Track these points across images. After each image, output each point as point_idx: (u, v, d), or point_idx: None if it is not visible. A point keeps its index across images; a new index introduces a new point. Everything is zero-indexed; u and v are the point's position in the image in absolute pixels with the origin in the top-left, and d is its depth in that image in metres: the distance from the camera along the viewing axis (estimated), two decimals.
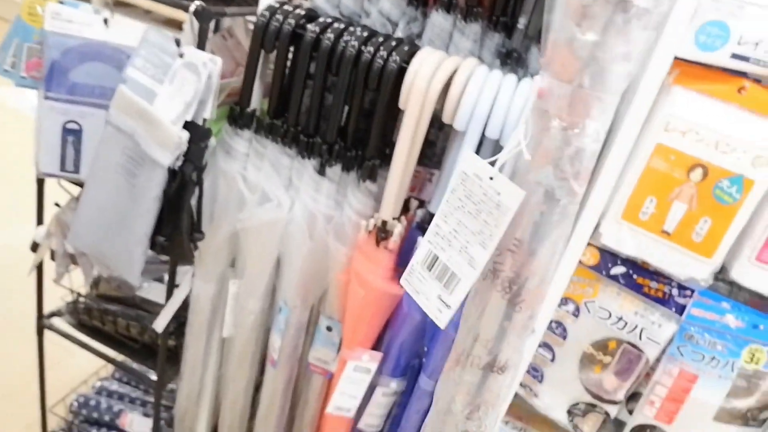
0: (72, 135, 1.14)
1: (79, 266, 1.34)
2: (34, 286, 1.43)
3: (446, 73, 0.90)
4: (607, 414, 0.98)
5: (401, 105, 0.93)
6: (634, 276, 0.93)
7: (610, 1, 0.64)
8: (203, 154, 1.00)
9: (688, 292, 0.90)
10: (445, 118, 0.92)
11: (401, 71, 0.93)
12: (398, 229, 0.97)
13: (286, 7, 1.01)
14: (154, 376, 1.38)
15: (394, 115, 1.00)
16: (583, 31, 0.65)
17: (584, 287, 0.98)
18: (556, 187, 0.71)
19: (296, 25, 0.99)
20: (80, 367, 1.94)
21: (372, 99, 0.99)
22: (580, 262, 0.89)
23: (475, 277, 0.73)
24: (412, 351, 1.06)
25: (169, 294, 1.23)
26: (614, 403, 0.98)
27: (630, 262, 0.92)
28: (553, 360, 1.02)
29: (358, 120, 1.00)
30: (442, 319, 0.76)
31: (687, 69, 0.79)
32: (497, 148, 0.97)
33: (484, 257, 0.72)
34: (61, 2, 1.09)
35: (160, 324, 1.21)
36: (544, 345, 1.02)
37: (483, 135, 0.91)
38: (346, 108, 1.02)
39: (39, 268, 1.39)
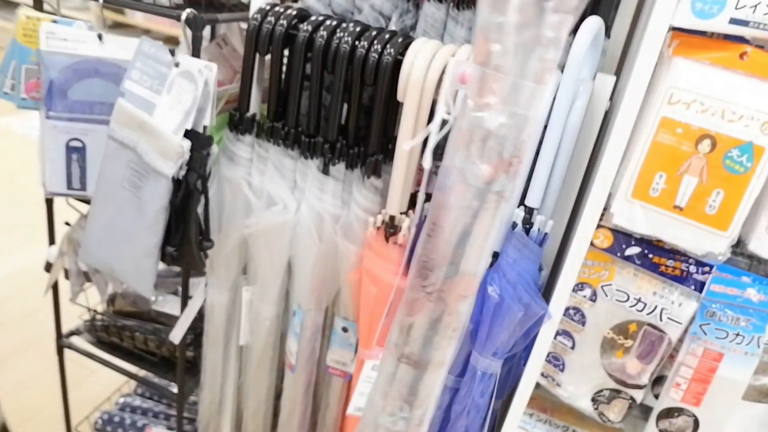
0: (76, 153, 1.14)
1: (93, 284, 1.34)
2: (50, 306, 1.44)
3: (442, 62, 0.89)
4: (632, 399, 0.96)
5: (400, 98, 0.92)
6: (650, 255, 0.91)
7: None
8: (206, 161, 1.00)
9: (707, 269, 0.87)
10: None
11: (397, 64, 0.92)
12: (406, 224, 0.96)
13: (277, 8, 1.01)
14: (175, 389, 1.38)
15: (393, 109, 0.99)
16: (495, 13, 0.63)
17: (599, 270, 0.96)
18: (467, 171, 0.69)
19: (288, 25, 0.99)
20: (102, 384, 1.95)
21: (370, 94, 0.98)
22: (592, 244, 0.87)
23: None
24: None
25: (184, 305, 1.23)
26: (639, 387, 0.96)
27: (644, 242, 0.90)
28: (573, 347, 1.01)
29: (358, 116, 0.99)
30: None
31: (686, 39, 0.77)
32: None
33: None
34: (55, 21, 1.09)
35: (176, 335, 1.21)
36: (563, 333, 1.00)
37: None
38: (346, 105, 1.01)
39: (55, 289, 1.40)
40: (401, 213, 0.98)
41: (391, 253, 0.97)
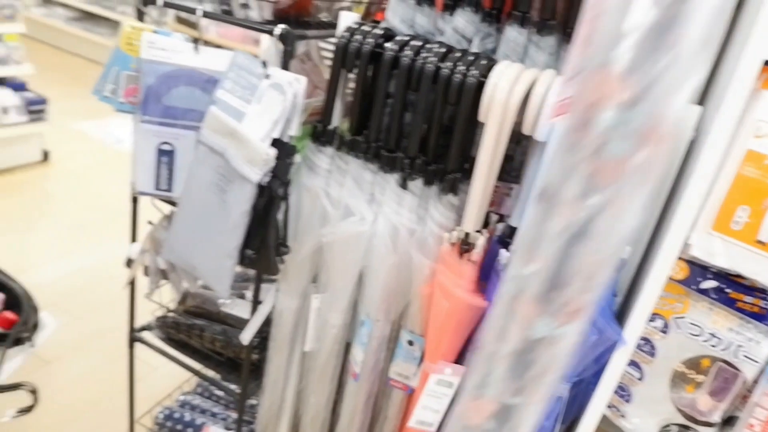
0: (166, 156, 1.20)
1: (169, 281, 1.40)
2: (122, 300, 1.51)
3: (525, 85, 0.91)
4: None
5: (481, 118, 0.94)
6: (727, 290, 0.89)
7: None
8: (289, 170, 1.04)
9: None
10: (525, 130, 0.92)
11: (480, 85, 0.94)
12: (481, 241, 0.97)
13: (364, 27, 1.05)
14: (237, 389, 1.42)
15: (472, 129, 1.01)
16: None
17: (673, 302, 0.95)
18: None
19: (375, 44, 1.02)
20: (164, 381, 2.02)
21: (451, 113, 1.00)
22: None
23: None
24: None
25: (254, 308, 1.27)
26: (710, 425, 0.94)
27: (722, 276, 0.89)
28: (641, 378, 0.99)
29: (438, 134, 1.01)
30: None
31: None
32: None
33: None
34: (156, 32, 1.16)
35: (246, 337, 1.25)
36: (632, 363, 0.99)
37: None
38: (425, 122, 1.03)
39: (131, 284, 1.47)
40: (476, 231, 0.99)
41: (464, 270, 0.98)
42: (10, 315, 1.42)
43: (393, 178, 1.04)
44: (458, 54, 0.98)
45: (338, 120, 1.11)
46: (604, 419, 1.02)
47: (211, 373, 1.54)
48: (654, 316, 0.95)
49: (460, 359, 1.07)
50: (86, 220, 3.12)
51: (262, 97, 1.03)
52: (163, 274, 1.39)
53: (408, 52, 0.99)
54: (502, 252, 0.98)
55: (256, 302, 1.27)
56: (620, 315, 0.97)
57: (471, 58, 0.97)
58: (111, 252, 2.86)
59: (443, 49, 0.99)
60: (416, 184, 1.02)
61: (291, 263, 1.18)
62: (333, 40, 1.08)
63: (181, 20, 4.64)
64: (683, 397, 0.95)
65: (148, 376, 2.05)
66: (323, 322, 1.20)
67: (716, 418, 0.92)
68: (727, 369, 0.90)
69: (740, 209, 0.81)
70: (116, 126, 4.17)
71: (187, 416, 1.70)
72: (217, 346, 1.48)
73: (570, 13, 0.99)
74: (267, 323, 1.29)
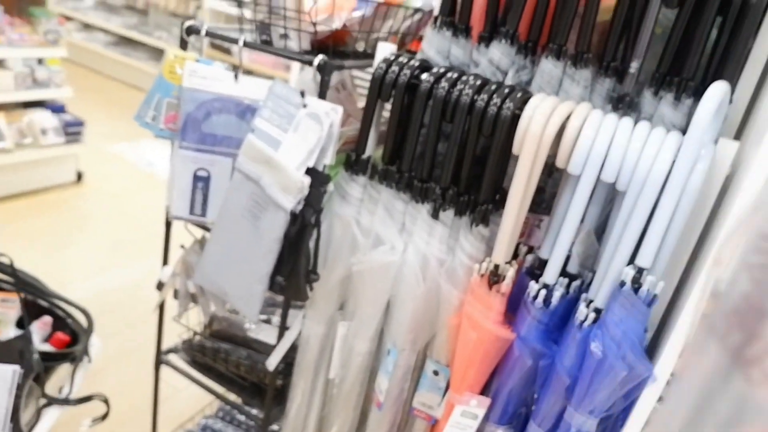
0: (201, 181, 1.23)
1: (198, 305, 1.42)
2: (150, 321, 1.53)
3: (561, 117, 0.91)
4: None
5: (515, 150, 0.95)
6: None
7: None
8: (322, 198, 1.06)
9: None
10: (559, 163, 0.93)
11: (515, 118, 0.95)
12: (510, 273, 0.97)
13: (401, 59, 1.07)
14: (259, 414, 1.42)
15: (505, 161, 1.02)
16: None
17: None
18: None
19: (411, 75, 1.04)
20: (186, 404, 2.03)
21: (484, 145, 1.01)
22: None
23: None
24: (520, 398, 1.04)
25: (281, 334, 1.27)
26: None
27: None
28: None
29: (471, 166, 1.02)
30: None
31: None
32: (611, 191, 0.97)
33: None
34: (198, 60, 1.20)
35: (272, 362, 1.26)
36: (661, 399, 0.97)
37: (597, 179, 0.91)
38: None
39: (160, 306, 1.49)
40: (506, 263, 0.99)
41: (492, 301, 0.98)
42: (62, 336, 1.48)
43: (425, 208, 1.05)
44: (494, 87, 0.99)
45: (372, 149, 1.12)
46: None
47: (233, 396, 1.55)
48: None
49: (485, 391, 1.06)
50: (118, 241, 3.18)
51: (299, 126, 1.06)
52: (193, 298, 1.41)
53: (444, 83, 1.01)
54: (531, 284, 0.98)
55: (283, 328, 1.28)
56: (651, 350, 0.96)
57: (506, 90, 0.98)
58: (141, 272, 2.90)
59: (479, 82, 1.00)
60: (447, 214, 1.03)
61: (319, 290, 1.19)
62: (368, 69, 1.10)
63: (215, 46, 4.75)
64: None
65: (171, 398, 2.06)
66: (349, 349, 1.21)
67: None
68: None
69: None
70: (148, 149, 4.27)
71: None
72: (242, 371, 1.49)
73: (605, 46, 1.00)
74: (292, 349, 1.29)
